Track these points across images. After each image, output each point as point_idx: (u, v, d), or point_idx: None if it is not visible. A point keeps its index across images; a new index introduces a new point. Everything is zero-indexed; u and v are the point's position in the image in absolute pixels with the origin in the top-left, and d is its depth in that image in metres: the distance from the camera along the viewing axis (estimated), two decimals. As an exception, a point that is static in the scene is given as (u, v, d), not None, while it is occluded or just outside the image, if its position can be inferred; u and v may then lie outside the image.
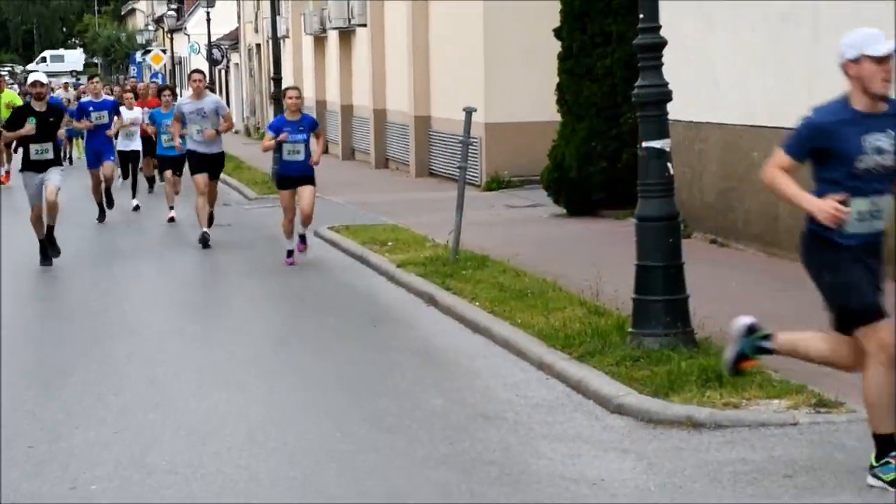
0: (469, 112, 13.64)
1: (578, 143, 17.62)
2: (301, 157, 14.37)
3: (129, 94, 23.08)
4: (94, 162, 19.90)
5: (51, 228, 14.86)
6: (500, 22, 22.18)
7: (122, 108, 21.50)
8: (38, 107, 14.59)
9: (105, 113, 20.09)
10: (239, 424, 7.75)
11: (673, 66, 9.25)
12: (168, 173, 19.39)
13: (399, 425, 7.62)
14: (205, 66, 49.80)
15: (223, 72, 55.81)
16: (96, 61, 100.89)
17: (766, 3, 13.25)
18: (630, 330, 8.95)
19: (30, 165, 14.64)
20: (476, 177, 21.85)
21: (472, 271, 12.56)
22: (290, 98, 14.47)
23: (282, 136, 14.40)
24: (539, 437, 7.35)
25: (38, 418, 7.98)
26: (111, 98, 21.51)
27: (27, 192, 14.86)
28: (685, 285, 8.92)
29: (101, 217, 19.61)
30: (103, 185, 19.81)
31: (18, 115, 14.73)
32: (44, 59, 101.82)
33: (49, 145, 14.52)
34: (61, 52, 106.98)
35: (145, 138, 22.14)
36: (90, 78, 22.16)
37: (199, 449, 7.23)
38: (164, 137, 19.28)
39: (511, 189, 21.50)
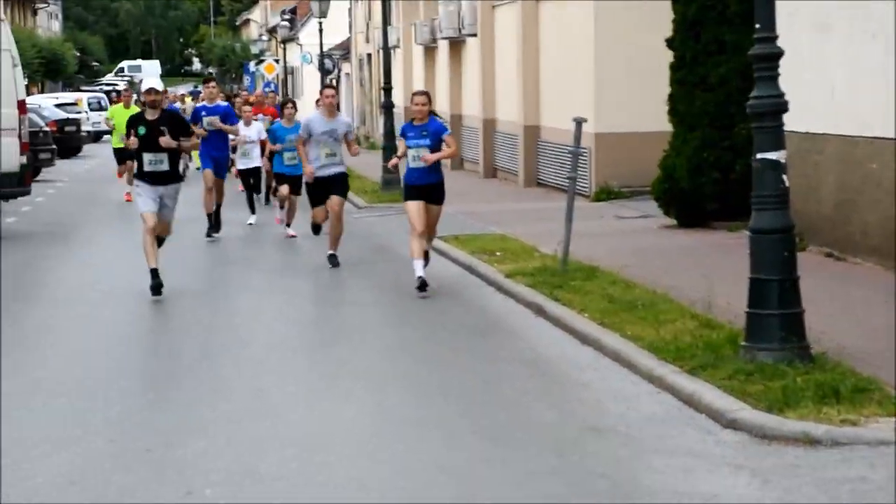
0: (579, 122, 13.57)
1: (690, 154, 17.42)
2: (422, 164, 13.30)
3: (248, 108, 21.87)
4: (208, 163, 19.10)
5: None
6: (610, 31, 22.05)
7: (240, 125, 20.19)
8: (151, 115, 13.48)
9: (216, 118, 19.10)
10: (348, 435, 7.77)
11: (788, 76, 9.09)
12: (284, 189, 18.55)
13: (508, 437, 7.58)
14: (316, 76, 50.40)
15: (334, 81, 56.31)
16: (211, 71, 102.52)
17: (884, 11, 12.97)
18: (743, 343, 8.81)
19: (144, 176, 13.47)
20: (585, 187, 21.73)
21: (581, 282, 12.47)
22: (417, 104, 13.46)
23: (392, 161, 14.43)
24: (651, 451, 7.26)
25: (153, 426, 8.08)
26: (224, 103, 20.46)
27: (139, 200, 13.64)
28: (800, 299, 8.75)
29: (211, 232, 18.58)
30: (213, 203, 18.71)
31: (129, 126, 13.64)
32: (121, 70, 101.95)
33: (164, 156, 13.34)
34: (139, 62, 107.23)
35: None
36: (205, 81, 20.90)
37: (308, 458, 7.26)
38: (287, 155, 18.23)
39: (620, 200, 21.35)
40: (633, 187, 21.54)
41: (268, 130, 19.85)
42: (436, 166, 13.44)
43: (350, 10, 53.72)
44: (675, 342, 9.43)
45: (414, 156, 13.25)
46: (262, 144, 20.53)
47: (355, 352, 10.44)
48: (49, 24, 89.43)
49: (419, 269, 12.97)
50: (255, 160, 20.88)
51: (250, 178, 20.91)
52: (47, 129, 34.76)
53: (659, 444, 7.38)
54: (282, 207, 18.95)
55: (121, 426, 8.03)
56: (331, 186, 14.97)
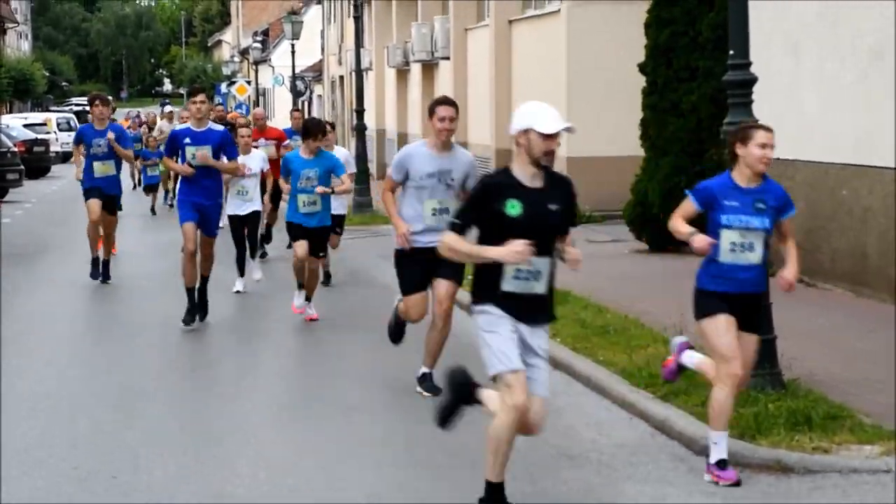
0: (552, 146, 13.55)
1: (662, 179, 17.45)
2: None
3: (247, 132, 15.83)
4: (190, 213, 12.67)
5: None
6: (583, 56, 22.12)
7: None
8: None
9: (208, 149, 12.56)
10: (317, 458, 7.70)
11: (759, 102, 9.12)
12: (301, 249, 12.62)
13: (481, 463, 7.51)
14: (288, 98, 50.32)
15: (306, 103, 56.26)
16: (182, 91, 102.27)
17: (855, 39, 13.04)
18: (716, 370, 8.76)
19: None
20: (557, 211, 21.72)
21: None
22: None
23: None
24: (623, 478, 7.22)
25: (120, 449, 7.98)
26: (219, 128, 13.01)
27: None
28: (773, 326, 8.75)
29: (190, 318, 12.56)
30: (196, 274, 12.68)
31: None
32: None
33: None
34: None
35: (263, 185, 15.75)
36: (192, 94, 13.12)
37: (279, 481, 7.19)
38: (303, 199, 12.54)
39: (592, 224, 21.36)
40: (604, 211, 21.56)
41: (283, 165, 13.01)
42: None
43: (322, 32, 53.73)
44: (648, 368, 9.41)
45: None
46: (263, 178, 15.57)
47: (327, 376, 10.36)
48: (18, 44, 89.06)
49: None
50: (254, 202, 15.16)
51: (245, 228, 15.14)
52: (15, 149, 34.62)
53: (632, 471, 7.35)
54: (301, 285, 12.96)
55: (86, 449, 7.93)
56: (439, 264, 8.71)
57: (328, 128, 13.91)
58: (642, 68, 18.00)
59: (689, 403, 8.35)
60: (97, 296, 15.21)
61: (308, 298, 12.94)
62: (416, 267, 9.37)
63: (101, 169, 15.75)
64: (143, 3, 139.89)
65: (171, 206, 26.28)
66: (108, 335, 12.50)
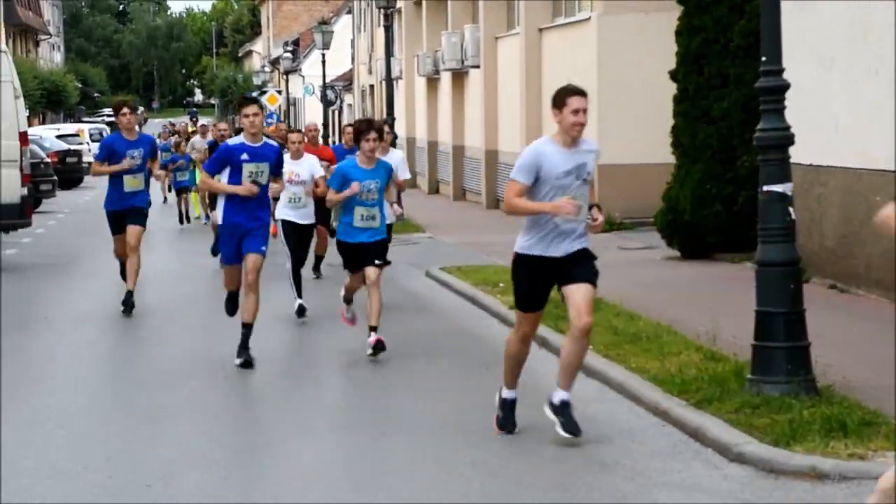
0: (583, 154, 13.52)
1: (693, 186, 17.40)
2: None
3: (296, 137, 14.23)
4: (233, 255, 11.26)
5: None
6: (614, 63, 22.10)
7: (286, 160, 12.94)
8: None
9: (266, 167, 11.06)
10: (346, 469, 7.70)
11: (791, 109, 9.07)
12: (355, 280, 11.62)
13: (511, 472, 7.50)
14: (318, 107, 50.46)
15: (336, 112, 56.42)
16: (213, 102, 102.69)
17: (885, 45, 12.97)
18: (749, 376, 8.74)
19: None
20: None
21: (586, 314, 12.38)
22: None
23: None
24: (657, 485, 7.18)
25: (152, 459, 8.00)
26: (273, 143, 11.50)
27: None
28: (806, 332, 8.71)
29: (244, 358, 10.87)
30: (249, 299, 10.99)
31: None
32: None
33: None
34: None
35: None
36: (241, 105, 11.57)
37: (307, 491, 7.19)
38: (361, 212, 11.23)
39: (623, 231, 21.31)
40: (635, 218, 21.51)
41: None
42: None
43: (353, 41, 53.88)
44: (681, 375, 9.36)
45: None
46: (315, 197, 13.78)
47: (354, 383, 10.36)
48: (51, 56, 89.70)
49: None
50: (310, 214, 13.95)
51: (302, 236, 13.99)
52: (48, 160, 34.83)
53: (665, 478, 7.31)
54: (348, 301, 11.92)
55: (119, 460, 7.95)
56: (575, 266, 8.08)
57: (385, 129, 12.59)
58: (673, 75, 17.96)
59: (722, 410, 8.30)
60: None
61: (373, 328, 11.10)
62: (539, 283, 8.14)
63: (131, 183, 14.02)
64: (174, 15, 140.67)
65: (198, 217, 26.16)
66: (138, 349, 12.54)
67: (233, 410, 9.43)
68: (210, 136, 23.79)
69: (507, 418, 8.33)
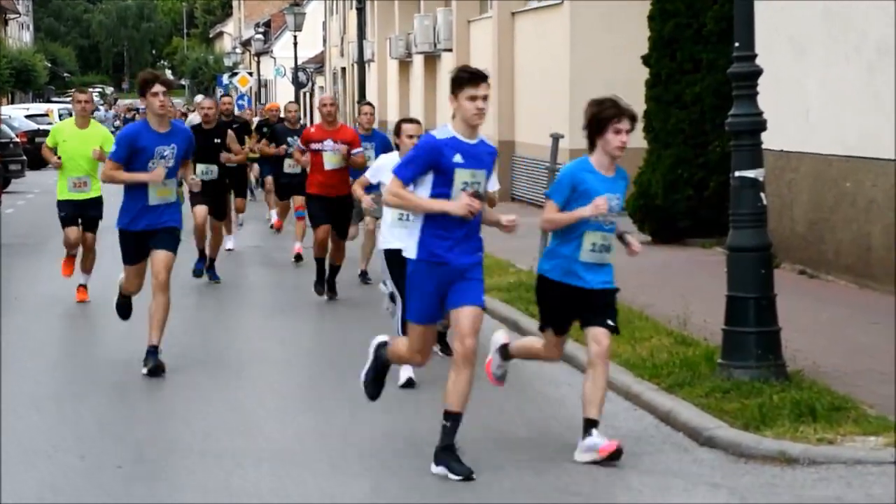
0: (556, 138, 13.58)
1: (665, 171, 17.46)
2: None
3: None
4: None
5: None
6: (586, 48, 22.10)
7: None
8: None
9: (342, 147, 13.48)
10: (322, 451, 7.70)
11: (763, 95, 9.11)
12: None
13: (484, 455, 7.52)
14: (290, 89, 50.31)
15: (308, 94, 56.26)
16: (183, 83, 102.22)
17: (861, 34, 13.03)
18: (720, 361, 8.80)
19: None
20: (560, 203, 21.72)
21: (557, 298, 12.41)
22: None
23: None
24: (627, 469, 7.22)
25: (125, 441, 7.99)
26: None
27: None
28: (777, 317, 8.76)
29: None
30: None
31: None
32: None
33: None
34: None
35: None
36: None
37: (283, 474, 7.19)
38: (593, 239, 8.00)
39: (595, 215, 21.33)
40: (607, 203, 21.52)
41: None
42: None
43: (325, 23, 53.72)
44: (652, 359, 9.41)
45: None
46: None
47: (331, 367, 10.36)
48: (20, 35, 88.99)
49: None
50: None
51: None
52: (17, 140, 34.59)
53: (636, 462, 7.34)
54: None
55: (91, 441, 7.94)
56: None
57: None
58: (646, 60, 18.00)
59: (693, 395, 8.35)
60: (97, 287, 15.19)
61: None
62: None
63: (160, 194, 9.95)
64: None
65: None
66: (108, 329, 12.50)
67: (204, 391, 9.41)
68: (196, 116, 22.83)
69: None
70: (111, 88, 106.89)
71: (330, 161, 13.28)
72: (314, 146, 13.38)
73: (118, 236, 10.17)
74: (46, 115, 50.31)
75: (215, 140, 15.05)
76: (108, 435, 8.12)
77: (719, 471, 7.13)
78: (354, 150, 13.36)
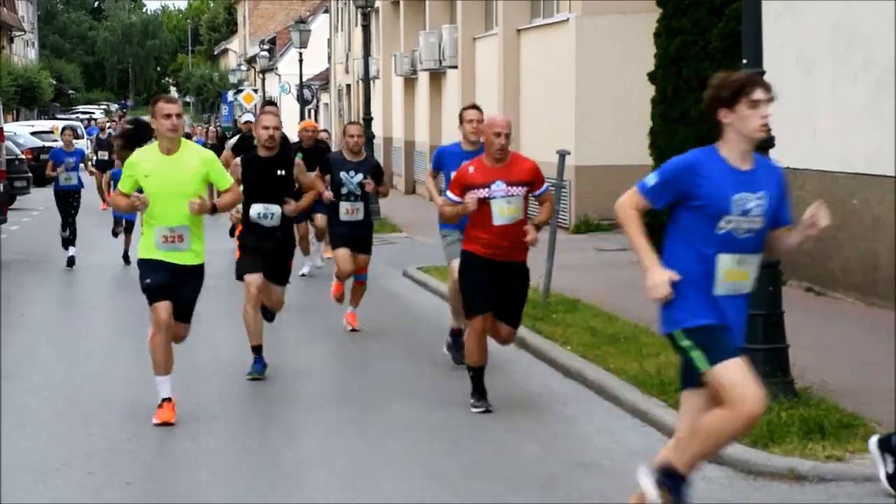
0: (563, 155, 13.58)
1: (671, 188, 17.45)
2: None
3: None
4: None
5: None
6: (592, 64, 22.14)
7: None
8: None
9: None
10: (331, 469, 7.70)
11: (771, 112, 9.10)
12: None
13: (492, 473, 7.52)
14: (295, 106, 50.37)
15: (313, 111, 56.34)
16: (189, 100, 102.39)
17: (868, 51, 13.05)
18: (728, 378, 8.77)
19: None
20: (565, 219, 21.75)
21: (563, 315, 12.44)
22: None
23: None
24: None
25: (134, 458, 7.99)
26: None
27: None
28: (785, 334, 8.76)
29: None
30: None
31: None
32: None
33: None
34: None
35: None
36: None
37: (292, 490, 7.19)
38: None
39: (600, 232, 21.37)
40: (612, 220, 21.53)
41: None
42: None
43: (330, 40, 53.80)
44: (659, 376, 9.40)
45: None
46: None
47: (340, 384, 10.36)
48: (25, 52, 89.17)
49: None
50: None
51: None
52: (23, 156, 34.65)
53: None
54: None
55: (100, 457, 7.94)
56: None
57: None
58: (652, 77, 18.02)
59: (701, 412, 8.33)
60: (102, 305, 15.21)
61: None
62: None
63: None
64: (149, 12, 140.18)
65: None
66: (116, 347, 12.51)
67: (212, 409, 9.41)
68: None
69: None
70: (115, 105, 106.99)
71: (501, 214, 9.02)
72: (477, 193, 9.03)
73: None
74: (52, 132, 50.36)
75: (278, 172, 10.67)
76: (117, 451, 8.11)
77: (729, 488, 7.13)
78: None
